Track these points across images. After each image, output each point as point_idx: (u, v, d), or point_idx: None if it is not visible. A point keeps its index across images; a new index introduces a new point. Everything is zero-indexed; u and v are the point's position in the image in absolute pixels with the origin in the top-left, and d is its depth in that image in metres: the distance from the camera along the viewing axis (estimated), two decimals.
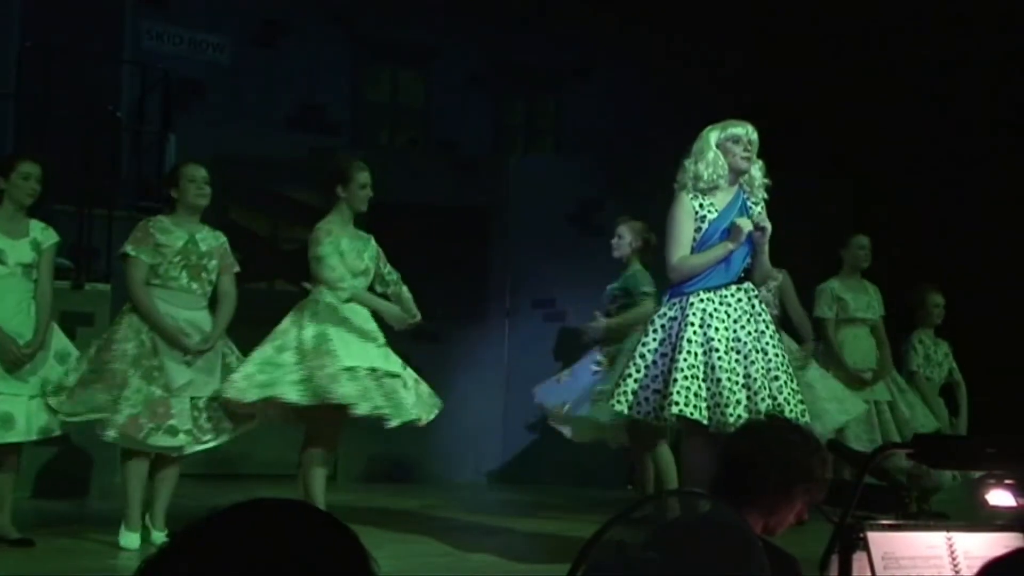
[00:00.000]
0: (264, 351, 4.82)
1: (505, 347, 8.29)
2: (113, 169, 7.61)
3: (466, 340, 8.21)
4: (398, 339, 8.10)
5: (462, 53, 9.64)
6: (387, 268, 5.24)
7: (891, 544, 2.10)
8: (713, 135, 4.41)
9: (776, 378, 4.27)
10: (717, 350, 4.19)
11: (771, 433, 2.46)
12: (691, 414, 4.12)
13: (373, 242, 5.22)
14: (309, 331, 4.83)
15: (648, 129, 9.29)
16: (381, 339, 5.03)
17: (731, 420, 4.06)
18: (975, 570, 1.58)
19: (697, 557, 1.80)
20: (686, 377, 4.16)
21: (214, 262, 4.93)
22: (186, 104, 8.48)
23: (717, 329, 4.22)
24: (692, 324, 4.22)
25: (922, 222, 7.76)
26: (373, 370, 4.85)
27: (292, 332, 4.85)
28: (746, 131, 4.39)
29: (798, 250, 6.27)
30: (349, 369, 4.77)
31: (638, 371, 4.31)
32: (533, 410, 8.19)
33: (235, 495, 1.12)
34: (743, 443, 2.45)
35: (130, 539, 4.73)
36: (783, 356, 4.35)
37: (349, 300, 4.98)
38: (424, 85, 9.85)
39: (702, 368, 4.19)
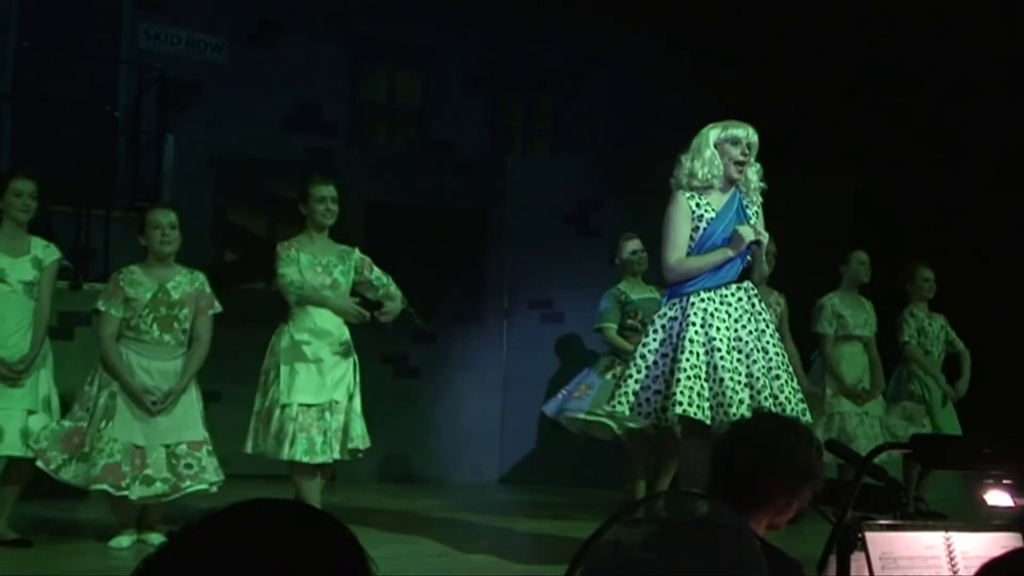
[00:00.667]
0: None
1: (502, 348, 8.29)
2: (110, 169, 7.61)
3: (463, 341, 8.21)
4: (396, 340, 8.14)
5: (459, 54, 9.64)
6: (375, 274, 5.24)
7: (889, 544, 2.10)
8: (713, 134, 4.40)
9: (777, 377, 4.27)
10: (719, 350, 4.19)
11: (771, 436, 2.44)
12: (694, 414, 4.12)
13: (356, 253, 5.18)
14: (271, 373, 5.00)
15: (645, 130, 9.29)
16: (341, 366, 5.02)
17: (734, 420, 4.05)
18: (973, 570, 1.57)
19: (695, 558, 1.80)
20: (689, 377, 4.15)
21: (186, 310, 4.89)
22: (183, 104, 8.47)
23: (719, 329, 4.22)
24: (694, 324, 4.22)
25: (923, 224, 7.76)
26: (307, 406, 4.86)
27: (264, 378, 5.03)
28: (747, 133, 4.38)
29: (798, 253, 6.28)
30: (284, 406, 4.84)
31: (639, 372, 4.31)
32: (531, 410, 8.20)
33: (233, 496, 1.12)
34: (744, 449, 2.43)
35: (120, 540, 4.74)
36: (783, 355, 4.35)
37: (298, 302, 4.96)
38: (421, 86, 9.85)
39: (704, 368, 4.18)
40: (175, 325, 4.84)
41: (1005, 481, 2.33)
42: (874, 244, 6.71)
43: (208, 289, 4.98)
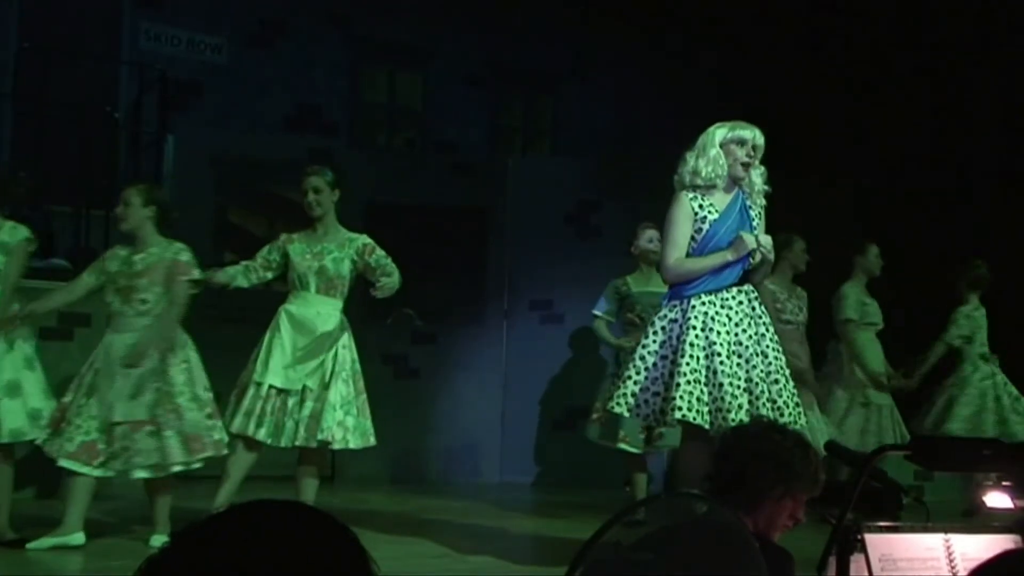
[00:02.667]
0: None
1: (503, 348, 8.29)
2: (111, 170, 7.61)
3: (463, 341, 8.21)
4: (397, 341, 8.14)
5: (459, 54, 9.64)
6: (374, 256, 5.19)
7: (889, 546, 2.11)
8: (719, 133, 4.39)
9: (776, 381, 4.27)
10: (719, 354, 4.18)
11: (758, 438, 2.47)
12: (693, 418, 4.12)
13: (360, 240, 5.18)
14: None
15: (645, 130, 9.31)
16: (322, 350, 5.00)
17: (733, 424, 4.05)
18: None
19: (694, 558, 1.81)
20: (688, 381, 4.15)
21: (144, 280, 4.87)
22: (183, 105, 8.48)
23: (719, 333, 4.21)
24: (694, 327, 4.21)
25: (923, 224, 7.77)
26: (279, 391, 4.89)
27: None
28: (753, 135, 4.38)
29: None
30: (257, 384, 4.86)
31: (638, 373, 4.30)
32: (531, 411, 8.21)
33: (240, 497, 1.13)
34: (732, 451, 2.46)
35: (77, 536, 4.77)
36: (782, 359, 4.35)
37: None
38: (422, 86, 9.85)
39: (704, 372, 4.18)
40: (132, 295, 4.86)
41: (1004, 483, 2.34)
42: (876, 241, 6.75)
43: (186, 258, 4.94)
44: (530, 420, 8.19)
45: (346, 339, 5.14)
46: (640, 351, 4.34)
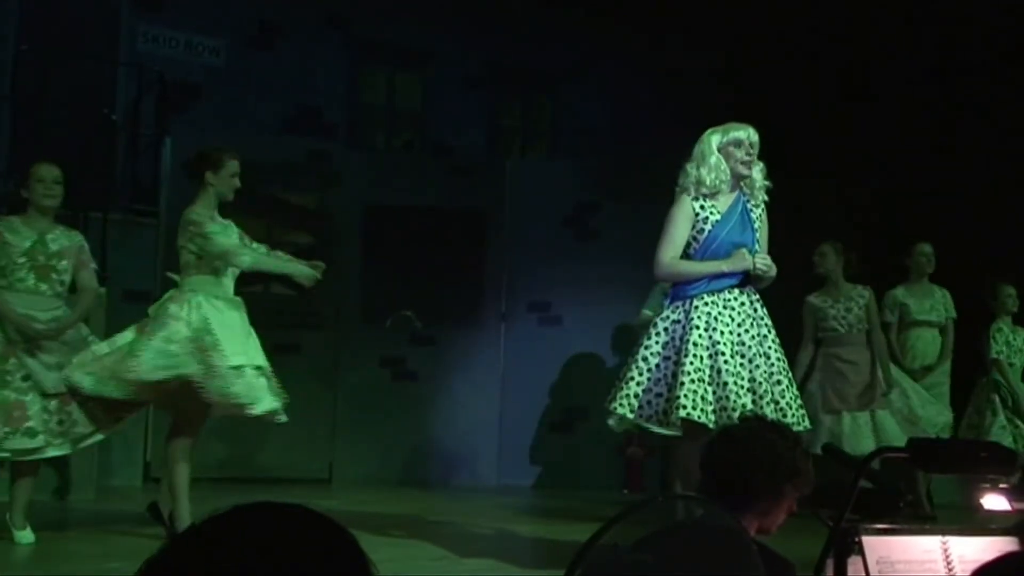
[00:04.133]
0: (152, 342, 4.69)
1: (500, 350, 8.30)
2: (108, 172, 7.62)
3: (461, 343, 8.22)
4: (395, 343, 8.14)
5: (458, 56, 9.65)
6: (253, 245, 5.10)
7: (886, 548, 2.12)
8: (715, 139, 4.40)
9: (779, 382, 4.28)
10: (723, 354, 4.19)
11: (752, 437, 2.47)
12: (698, 418, 4.11)
13: (232, 226, 5.05)
14: (194, 324, 4.73)
15: (644, 132, 9.31)
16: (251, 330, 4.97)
17: None
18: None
19: (692, 561, 1.81)
20: (692, 380, 4.15)
21: (65, 262, 4.91)
22: (182, 107, 8.48)
23: (723, 332, 4.22)
24: (697, 327, 4.22)
25: (911, 221, 7.78)
26: (258, 367, 4.82)
27: (177, 326, 4.74)
28: (747, 134, 4.39)
29: (788, 253, 6.29)
30: (236, 367, 4.74)
31: (640, 374, 4.30)
32: (529, 413, 8.22)
33: (229, 499, 1.13)
34: (726, 451, 2.46)
35: (24, 535, 4.75)
36: (784, 360, 4.36)
37: (251, 266, 4.94)
38: (420, 88, 9.86)
39: (708, 372, 4.18)
40: (52, 275, 4.88)
41: (1002, 485, 2.34)
42: (863, 246, 6.78)
43: (87, 247, 4.98)
44: (528, 422, 8.19)
45: None
46: (642, 352, 4.33)
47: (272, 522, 1.07)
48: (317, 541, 1.06)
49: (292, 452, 7.59)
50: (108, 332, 6.88)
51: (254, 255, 4.97)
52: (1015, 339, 6.93)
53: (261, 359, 4.86)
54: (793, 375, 6.33)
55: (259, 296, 7.35)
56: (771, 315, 4.39)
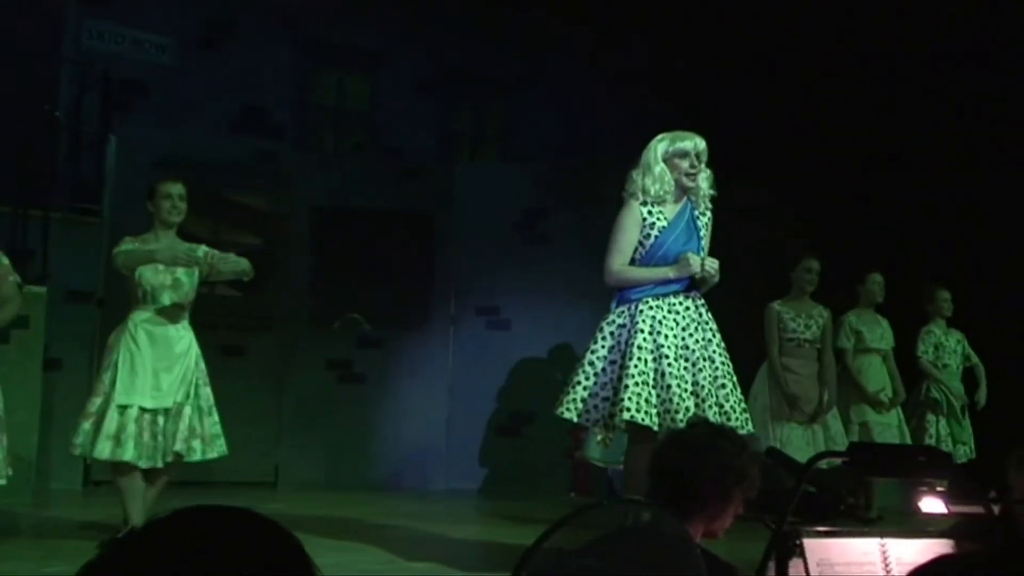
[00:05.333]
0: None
1: (449, 354, 8.29)
2: (50, 170, 7.49)
3: (410, 346, 8.20)
4: (341, 346, 8.10)
5: (409, 58, 9.63)
6: (217, 254, 5.08)
7: (826, 551, 2.15)
8: (661, 148, 4.44)
9: (723, 386, 4.33)
10: (667, 357, 4.22)
11: (701, 442, 2.50)
12: (642, 420, 4.14)
13: (200, 252, 5.01)
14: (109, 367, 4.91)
15: (595, 138, 9.35)
16: (181, 364, 4.96)
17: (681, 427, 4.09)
18: None
19: (636, 565, 1.83)
20: (637, 383, 4.18)
21: None
22: (127, 105, 8.37)
23: (667, 336, 4.26)
24: (642, 331, 4.26)
25: (867, 231, 7.90)
26: (143, 410, 4.84)
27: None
28: (694, 144, 4.43)
29: (742, 263, 6.37)
30: (121, 407, 4.80)
31: (587, 379, 4.33)
32: (477, 417, 8.22)
33: (171, 503, 1.12)
34: (676, 456, 2.49)
35: None
36: (729, 365, 4.40)
37: (125, 263, 4.92)
38: (370, 89, 9.83)
39: (652, 375, 4.22)
40: None
41: (939, 489, 2.39)
42: (821, 253, 6.87)
43: (6, 261, 4.89)
44: (476, 426, 8.20)
45: (197, 349, 5.06)
46: (589, 356, 4.36)
47: (215, 526, 1.06)
48: (261, 545, 1.06)
49: (237, 455, 7.43)
50: (49, 332, 6.80)
51: (127, 253, 4.93)
52: (947, 341, 7.15)
53: (150, 400, 4.86)
54: (773, 373, 6.50)
55: (205, 298, 7.26)
56: (717, 320, 4.44)
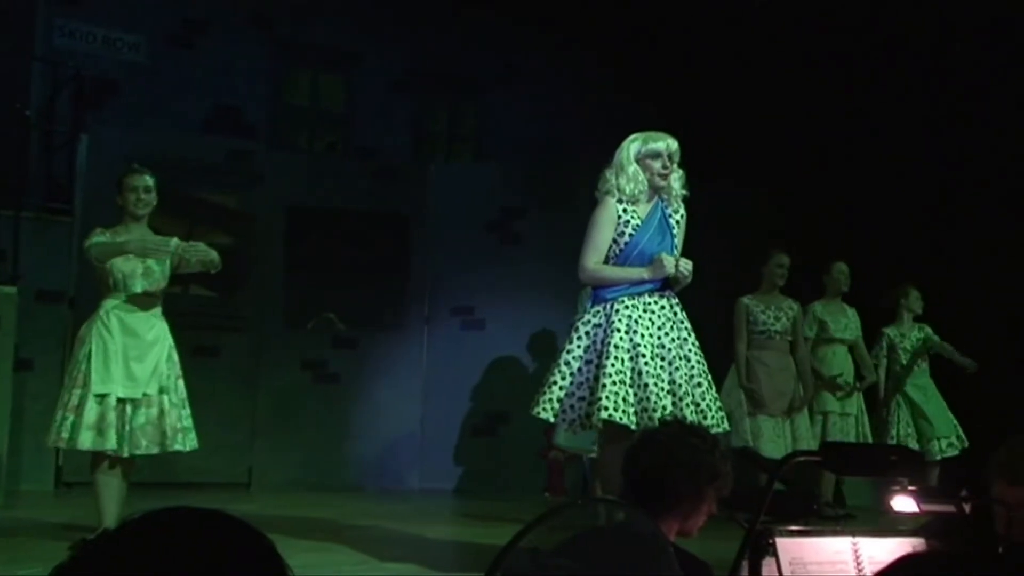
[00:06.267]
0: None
1: (423, 354, 8.28)
2: (21, 169, 7.42)
3: (384, 346, 8.18)
4: (316, 346, 8.07)
5: (384, 58, 9.61)
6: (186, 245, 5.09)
7: (799, 550, 2.17)
8: (633, 148, 4.46)
9: (699, 384, 4.35)
10: (644, 356, 4.24)
11: (673, 441, 2.51)
12: (620, 419, 4.15)
13: (172, 243, 5.00)
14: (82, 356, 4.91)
15: (570, 138, 9.36)
16: (153, 353, 4.93)
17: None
18: None
19: (610, 565, 1.83)
20: (614, 383, 4.19)
21: None
22: (99, 104, 8.30)
23: (643, 336, 4.28)
24: (619, 330, 4.27)
25: (841, 230, 7.95)
26: (120, 400, 4.82)
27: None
28: (666, 145, 4.46)
29: (717, 262, 6.40)
30: (98, 396, 4.79)
31: (563, 378, 4.34)
32: (451, 417, 8.21)
33: (142, 504, 1.12)
34: (648, 456, 2.50)
35: None
36: (704, 363, 4.43)
37: (99, 255, 4.92)
38: (345, 89, 9.79)
39: (629, 373, 4.23)
40: None
41: (910, 487, 2.41)
42: (795, 247, 6.94)
43: None
44: (451, 426, 8.19)
45: (171, 340, 5.04)
46: (565, 356, 4.37)
47: (188, 527, 1.06)
48: (234, 546, 1.06)
49: (210, 456, 7.44)
50: (20, 333, 6.73)
51: (99, 245, 4.92)
52: (906, 338, 7.25)
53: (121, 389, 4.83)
54: (737, 367, 6.57)
55: (178, 298, 7.21)
56: (691, 318, 4.46)
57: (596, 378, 4.25)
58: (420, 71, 9.83)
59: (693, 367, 4.36)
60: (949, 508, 2.43)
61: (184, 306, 6.83)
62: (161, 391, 4.93)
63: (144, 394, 4.89)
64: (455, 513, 7.18)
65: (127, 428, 4.85)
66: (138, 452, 4.87)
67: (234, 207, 8.15)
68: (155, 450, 4.91)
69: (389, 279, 8.32)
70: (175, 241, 4.99)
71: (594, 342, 4.34)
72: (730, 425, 6.48)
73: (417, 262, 8.35)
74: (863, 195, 8.17)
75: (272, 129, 9.38)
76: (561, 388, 4.33)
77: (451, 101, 10.32)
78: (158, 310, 5.04)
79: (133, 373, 4.88)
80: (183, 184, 7.59)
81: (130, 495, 4.92)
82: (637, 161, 4.44)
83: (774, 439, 6.43)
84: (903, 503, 2.42)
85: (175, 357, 5.03)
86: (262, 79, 9.30)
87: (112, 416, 4.81)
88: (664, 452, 2.48)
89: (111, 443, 4.78)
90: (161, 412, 4.91)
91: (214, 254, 5.02)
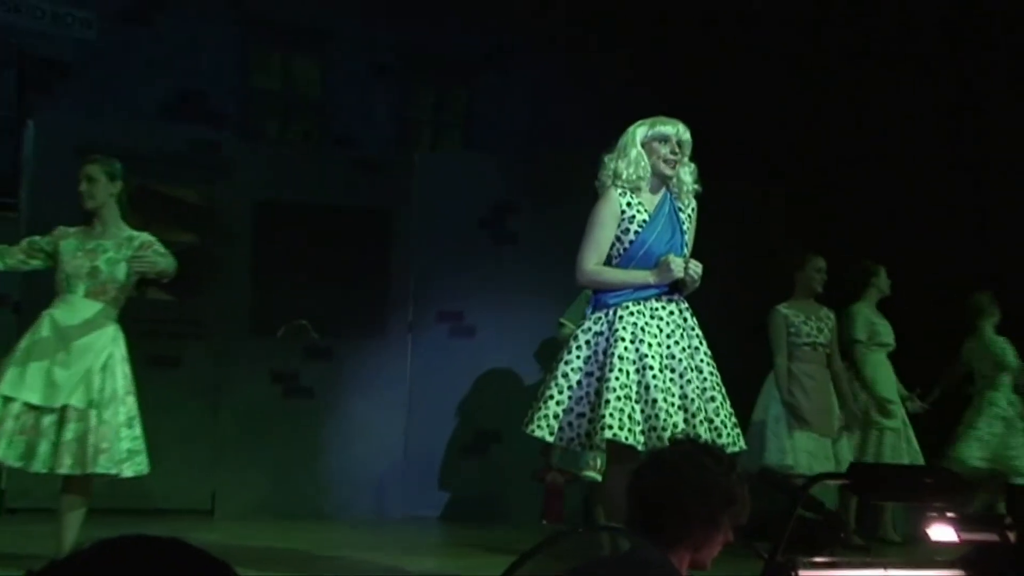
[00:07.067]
0: None
1: (407, 365, 8.27)
2: None
3: (363, 357, 8.17)
4: (287, 355, 8.06)
5: (364, 38, 9.61)
6: (151, 252, 5.07)
7: None
8: (640, 131, 4.45)
9: (712, 399, 4.32)
10: (651, 368, 4.21)
11: (685, 461, 2.50)
12: (625, 438, 4.13)
13: (139, 240, 5.04)
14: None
15: (569, 127, 9.37)
16: (83, 361, 4.89)
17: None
18: None
19: None
20: (619, 398, 4.16)
21: None
22: (47, 87, 8.30)
23: (650, 345, 4.25)
24: (623, 340, 4.24)
25: (855, 228, 7.98)
26: (30, 407, 4.79)
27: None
28: (676, 130, 4.44)
29: (728, 260, 6.41)
30: (4, 399, 4.77)
31: (560, 392, 4.31)
32: (437, 436, 8.20)
33: (108, 532, 1.11)
34: (656, 477, 2.48)
35: None
36: (717, 375, 4.40)
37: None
38: (320, 72, 9.80)
39: (635, 387, 4.20)
40: None
41: (949, 514, 2.40)
42: (806, 251, 6.96)
43: None
44: (437, 446, 8.18)
45: (120, 352, 4.98)
46: (562, 368, 4.34)
47: (144, 558, 1.05)
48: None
49: (169, 479, 7.44)
50: None
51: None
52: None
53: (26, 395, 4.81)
54: (779, 381, 6.55)
55: (134, 302, 7.17)
56: (701, 325, 4.45)
57: (598, 393, 4.23)
58: (404, 52, 9.84)
59: (706, 379, 4.34)
60: (992, 537, 2.42)
61: (139, 311, 6.81)
62: (91, 405, 4.83)
63: (66, 405, 4.80)
64: (441, 543, 7.17)
65: (41, 442, 4.76)
66: (61, 471, 4.79)
67: (197, 202, 8.14)
68: (78, 471, 4.80)
69: (369, 282, 8.31)
70: (143, 239, 4.99)
71: (595, 352, 4.32)
72: (764, 443, 6.52)
73: (400, 263, 8.34)
74: (890, 195, 8.21)
75: (240, 116, 9.38)
76: (558, 403, 4.30)
77: (438, 85, 10.33)
78: (106, 316, 4.97)
79: (55, 380, 4.80)
80: (140, 176, 7.57)
81: (108, 523, 4.88)
82: (642, 145, 4.43)
83: (822, 460, 6.45)
84: (941, 531, 2.41)
85: (120, 369, 4.93)
86: (228, 60, 9.30)
87: (10, 424, 4.74)
88: (674, 474, 2.47)
89: (11, 456, 4.73)
90: (87, 429, 4.81)
91: (165, 263, 4.99)
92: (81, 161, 5.14)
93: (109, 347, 4.94)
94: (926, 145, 8.07)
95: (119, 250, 5.02)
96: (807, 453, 6.50)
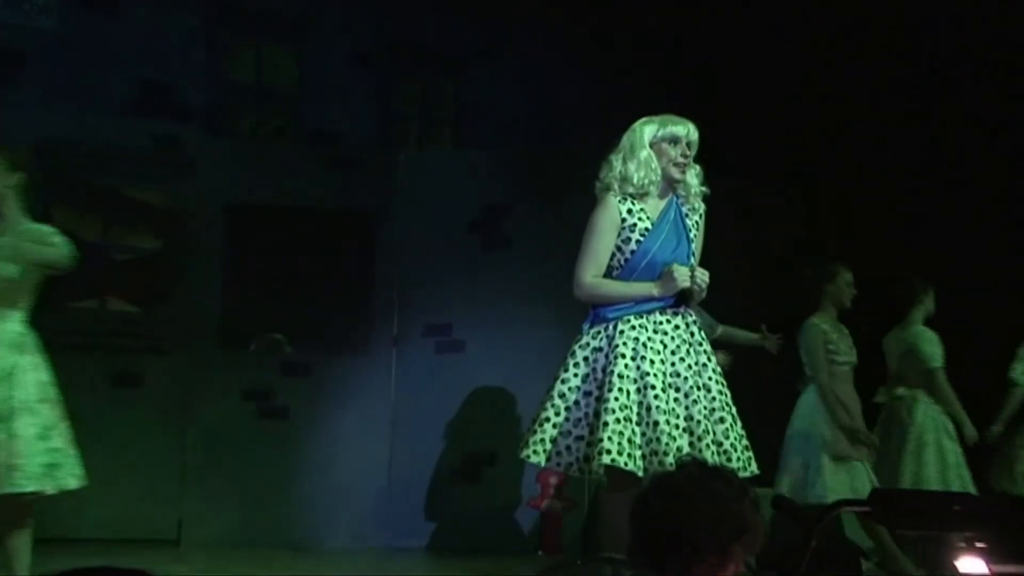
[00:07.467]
0: None
1: (391, 382, 8.28)
2: None
3: (343, 373, 8.18)
4: (261, 372, 8.06)
5: (344, 27, 9.63)
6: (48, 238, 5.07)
7: None
8: (648, 131, 4.46)
9: (721, 420, 4.33)
10: (654, 387, 4.22)
11: (693, 486, 2.50)
12: (624, 464, 4.14)
13: (29, 233, 4.97)
14: None
15: (566, 123, 9.39)
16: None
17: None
18: None
19: None
20: (618, 420, 4.17)
21: None
22: (1, 79, 8.31)
23: (652, 362, 4.26)
24: (623, 356, 4.25)
25: (873, 232, 8.03)
26: None
27: None
28: (687, 131, 4.46)
29: (744, 263, 6.45)
30: None
31: (557, 414, 4.32)
32: (424, 459, 8.20)
33: (67, 564, 1.12)
34: (662, 504, 2.48)
35: None
36: (727, 395, 4.40)
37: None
38: (296, 64, 9.81)
39: (636, 409, 4.22)
40: None
41: (979, 544, 2.41)
42: (825, 256, 6.98)
43: None
44: (423, 470, 8.18)
45: (30, 359, 4.89)
46: (559, 387, 4.35)
47: None
48: None
49: (132, 506, 7.45)
50: None
51: None
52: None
53: None
54: (828, 404, 6.44)
55: (93, 313, 7.21)
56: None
57: (596, 414, 4.24)
58: (387, 42, 9.86)
59: (714, 399, 4.35)
60: None
61: (99, 324, 6.83)
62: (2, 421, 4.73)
63: None
64: None
65: None
66: None
67: (162, 203, 8.15)
68: (15, 488, 4.75)
69: (349, 291, 8.32)
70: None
71: (594, 370, 4.33)
72: (807, 475, 6.42)
73: (383, 270, 8.35)
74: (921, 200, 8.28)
75: (209, 110, 9.39)
76: (555, 426, 4.31)
77: (424, 78, 10.34)
78: (11, 322, 4.88)
79: None
80: (101, 175, 7.59)
81: (36, 553, 4.87)
82: (651, 145, 4.44)
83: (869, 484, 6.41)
84: (970, 564, 2.42)
85: (31, 377, 4.83)
86: (197, 50, 9.31)
87: None
88: (681, 500, 2.47)
89: None
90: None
91: (51, 252, 4.95)
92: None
93: (10, 355, 4.86)
94: (949, 153, 8.12)
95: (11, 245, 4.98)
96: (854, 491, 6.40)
